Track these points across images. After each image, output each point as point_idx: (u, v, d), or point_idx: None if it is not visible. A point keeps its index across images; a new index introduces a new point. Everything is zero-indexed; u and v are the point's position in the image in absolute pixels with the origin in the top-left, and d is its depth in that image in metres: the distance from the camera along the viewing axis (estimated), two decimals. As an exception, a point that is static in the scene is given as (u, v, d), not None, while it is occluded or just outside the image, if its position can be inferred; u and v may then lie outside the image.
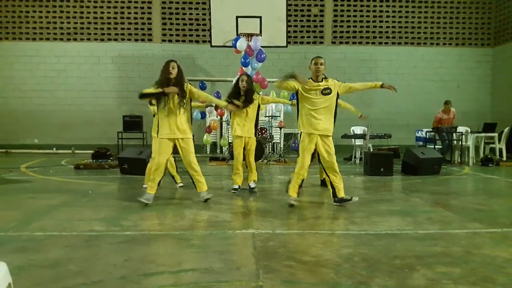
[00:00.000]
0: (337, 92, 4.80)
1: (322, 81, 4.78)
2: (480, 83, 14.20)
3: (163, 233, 3.70)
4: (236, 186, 5.77)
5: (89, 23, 13.44)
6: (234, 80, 6.75)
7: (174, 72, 4.82)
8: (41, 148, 12.29)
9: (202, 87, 10.89)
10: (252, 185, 5.82)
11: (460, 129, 9.93)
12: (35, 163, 9.48)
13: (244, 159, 5.74)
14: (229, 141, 9.92)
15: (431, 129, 10.30)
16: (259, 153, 9.34)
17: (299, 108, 4.89)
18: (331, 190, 4.86)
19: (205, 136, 10.71)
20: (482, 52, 14.20)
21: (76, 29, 13.42)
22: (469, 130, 10.15)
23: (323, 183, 5.89)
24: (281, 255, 3.06)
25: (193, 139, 5.08)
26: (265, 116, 10.79)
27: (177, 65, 4.88)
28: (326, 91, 4.73)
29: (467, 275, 2.66)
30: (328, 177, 4.85)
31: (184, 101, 4.87)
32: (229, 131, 9.92)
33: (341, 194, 4.80)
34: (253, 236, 3.54)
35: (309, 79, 4.78)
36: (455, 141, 9.90)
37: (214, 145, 11.69)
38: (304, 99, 4.80)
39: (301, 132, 4.84)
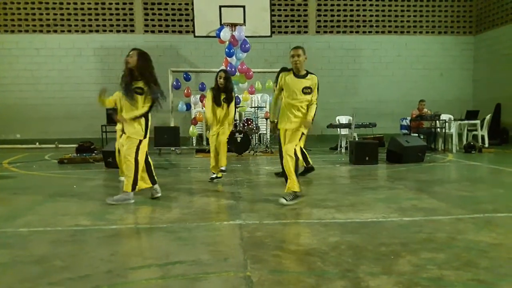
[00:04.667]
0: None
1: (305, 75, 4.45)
2: (463, 71, 14.40)
3: (149, 226, 3.68)
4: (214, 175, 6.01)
5: (69, 14, 13.18)
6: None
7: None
8: (23, 143, 12.08)
9: (187, 78, 10.80)
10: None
11: (443, 116, 10.06)
12: (18, 158, 9.31)
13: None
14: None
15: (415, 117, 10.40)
16: (246, 145, 9.34)
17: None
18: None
19: (191, 128, 10.65)
20: (464, 40, 14.37)
21: (56, 20, 13.15)
22: (452, 117, 10.30)
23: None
24: (268, 245, 3.08)
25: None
26: (251, 107, 10.75)
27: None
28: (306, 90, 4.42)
29: (451, 260, 2.71)
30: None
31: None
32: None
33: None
34: (240, 227, 3.55)
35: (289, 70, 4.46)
36: (438, 129, 10.04)
37: (200, 137, 11.64)
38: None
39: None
